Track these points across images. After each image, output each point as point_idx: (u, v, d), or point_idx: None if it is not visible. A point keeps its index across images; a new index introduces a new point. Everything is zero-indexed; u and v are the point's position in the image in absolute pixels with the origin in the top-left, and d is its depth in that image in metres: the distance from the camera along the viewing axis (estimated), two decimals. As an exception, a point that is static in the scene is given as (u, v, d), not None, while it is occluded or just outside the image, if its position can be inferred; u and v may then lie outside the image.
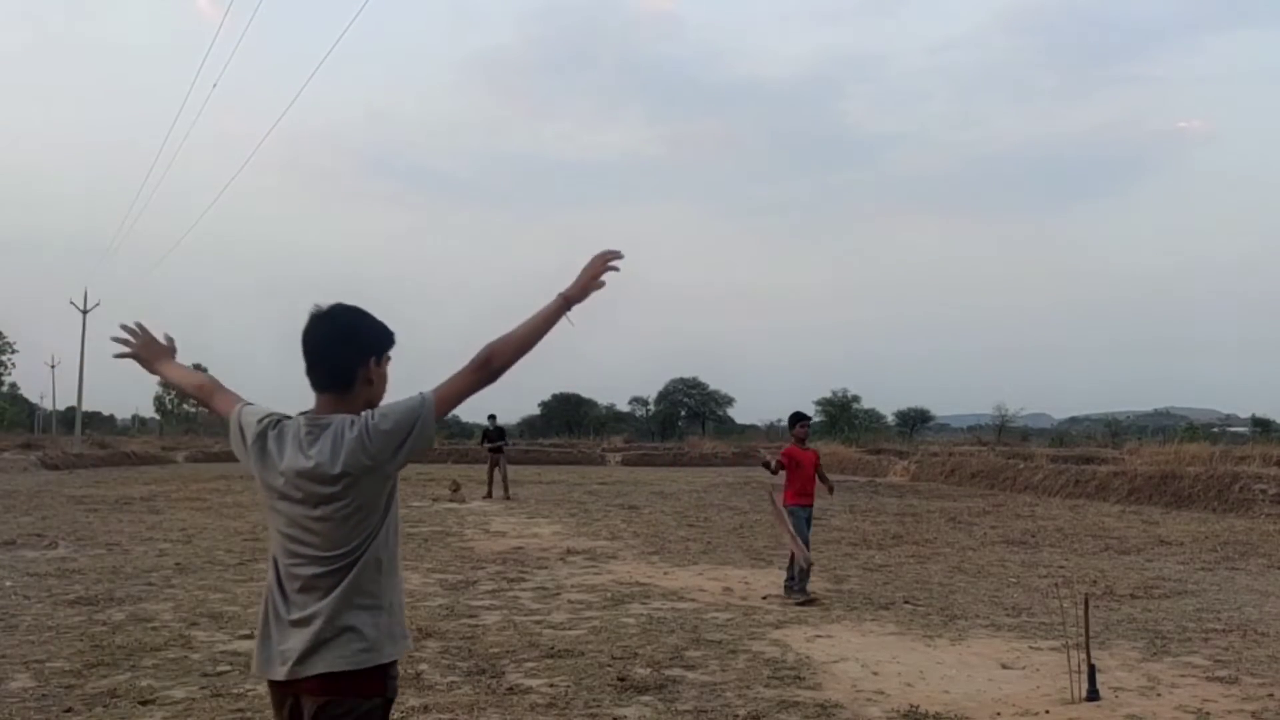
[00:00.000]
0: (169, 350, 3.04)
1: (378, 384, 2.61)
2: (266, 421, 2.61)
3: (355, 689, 2.46)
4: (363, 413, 2.51)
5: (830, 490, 9.85)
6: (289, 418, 2.60)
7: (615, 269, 2.70)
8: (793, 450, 9.48)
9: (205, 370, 3.13)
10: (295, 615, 2.50)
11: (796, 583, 8.89)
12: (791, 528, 9.01)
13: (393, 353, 2.67)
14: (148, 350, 3.02)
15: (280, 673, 2.49)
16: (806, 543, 8.99)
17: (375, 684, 2.49)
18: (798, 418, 9.85)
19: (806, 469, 9.37)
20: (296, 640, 2.47)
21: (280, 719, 2.58)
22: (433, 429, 2.54)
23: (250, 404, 2.73)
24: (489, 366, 2.56)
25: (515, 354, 2.59)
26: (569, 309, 2.64)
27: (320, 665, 2.45)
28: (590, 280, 2.67)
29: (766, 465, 9.54)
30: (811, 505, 9.45)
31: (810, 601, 8.69)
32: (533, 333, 2.61)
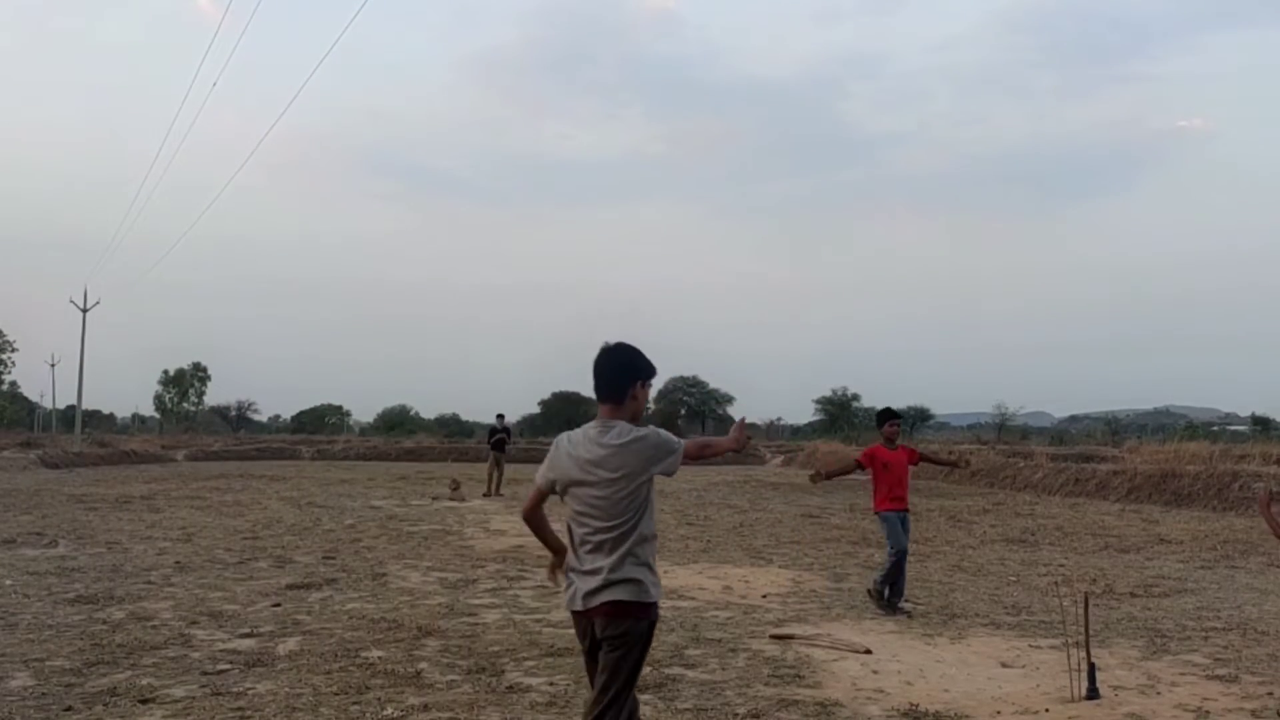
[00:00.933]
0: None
1: (641, 400, 3.73)
2: (562, 437, 3.80)
3: (633, 613, 3.56)
4: (646, 427, 3.64)
5: (960, 464, 10.32)
6: (575, 430, 3.78)
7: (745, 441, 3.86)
8: (876, 450, 8.78)
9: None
10: (586, 567, 3.60)
11: (880, 584, 8.49)
12: (886, 534, 8.61)
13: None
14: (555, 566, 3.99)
15: (579, 605, 3.61)
16: (904, 550, 8.48)
17: (646, 611, 3.59)
18: (886, 415, 9.08)
19: (895, 470, 8.65)
20: (589, 583, 3.58)
21: (581, 642, 3.74)
22: (677, 465, 3.66)
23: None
24: (702, 453, 3.84)
25: (709, 458, 3.96)
26: (733, 451, 3.85)
27: (607, 597, 3.54)
28: (737, 442, 3.80)
29: (814, 478, 9.12)
30: (905, 510, 8.70)
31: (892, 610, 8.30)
32: (717, 453, 3.86)
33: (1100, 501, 21.17)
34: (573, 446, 3.69)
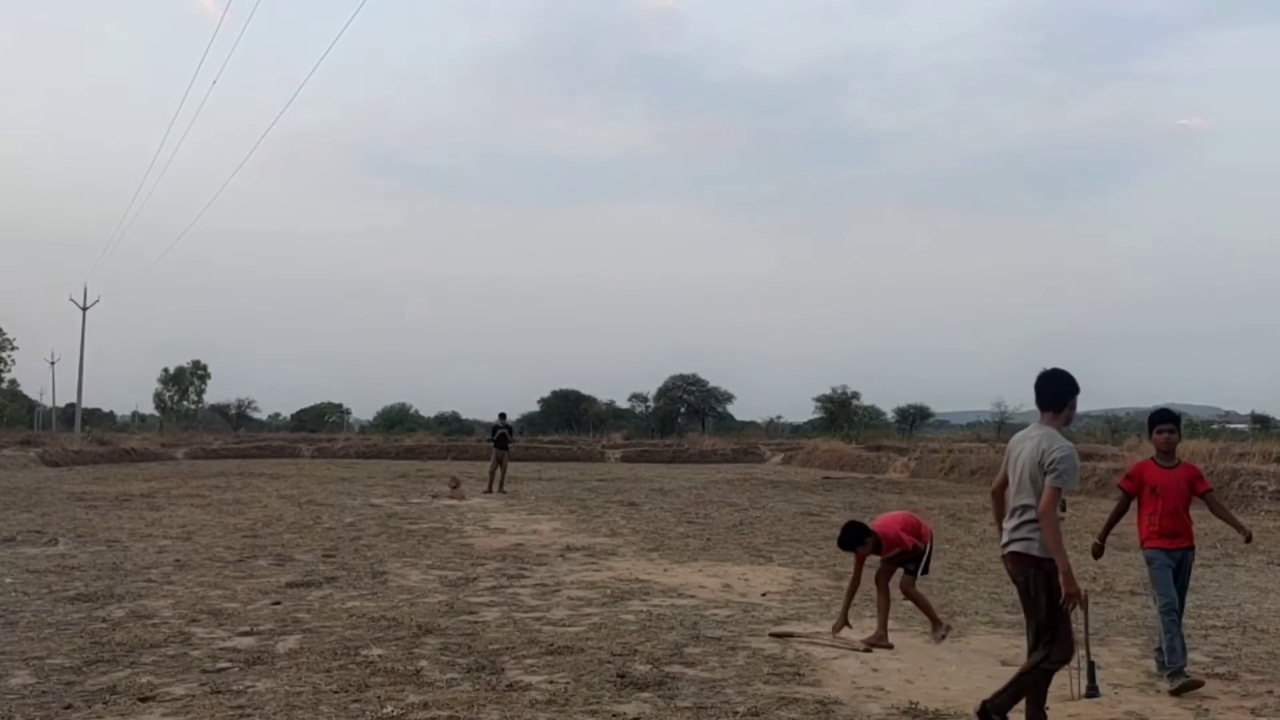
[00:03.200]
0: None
1: (1069, 413, 4.95)
2: (1015, 435, 5.11)
3: (1027, 563, 4.79)
4: (1065, 444, 4.75)
5: (1247, 537, 6.34)
6: (1021, 430, 5.09)
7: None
8: (1144, 467, 6.42)
9: None
10: (1008, 525, 4.93)
11: (1160, 655, 6.15)
12: (1152, 580, 6.27)
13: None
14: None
15: (1002, 550, 4.96)
16: (1173, 603, 6.18)
17: (1038, 564, 4.74)
18: (1158, 418, 6.53)
19: (1168, 496, 6.23)
20: (1004, 537, 4.94)
21: (1007, 567, 4.97)
22: (1066, 482, 4.69)
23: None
24: (1044, 514, 4.69)
25: (1048, 515, 4.70)
26: (1060, 573, 4.64)
27: (1010, 549, 4.87)
28: (1069, 589, 4.64)
29: (1097, 551, 6.59)
30: (1184, 548, 6.26)
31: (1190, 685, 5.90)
32: (1054, 541, 4.67)
33: (1100, 500, 21.12)
34: (1017, 439, 5.02)
